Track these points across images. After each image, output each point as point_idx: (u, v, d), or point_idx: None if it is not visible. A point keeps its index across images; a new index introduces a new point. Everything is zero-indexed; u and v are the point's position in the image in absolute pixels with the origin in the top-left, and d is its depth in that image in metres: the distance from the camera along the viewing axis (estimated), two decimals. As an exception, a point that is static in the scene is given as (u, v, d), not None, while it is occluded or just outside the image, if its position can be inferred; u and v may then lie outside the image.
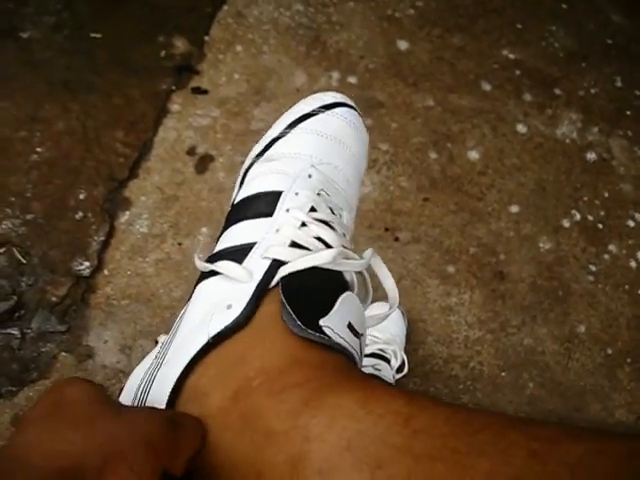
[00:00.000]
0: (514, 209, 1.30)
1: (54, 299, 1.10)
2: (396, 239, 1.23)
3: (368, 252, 0.47)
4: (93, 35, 1.33)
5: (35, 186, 1.17)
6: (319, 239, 0.44)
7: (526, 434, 0.30)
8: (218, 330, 0.39)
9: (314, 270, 0.42)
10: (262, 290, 0.41)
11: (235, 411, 0.36)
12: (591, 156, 1.39)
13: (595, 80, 1.48)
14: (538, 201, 1.32)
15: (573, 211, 1.33)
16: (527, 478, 0.27)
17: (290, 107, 0.55)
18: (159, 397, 0.39)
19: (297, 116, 0.53)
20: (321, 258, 0.42)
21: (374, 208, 1.25)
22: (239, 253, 0.44)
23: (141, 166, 1.22)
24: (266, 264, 0.42)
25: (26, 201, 1.16)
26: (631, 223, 1.34)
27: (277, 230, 0.44)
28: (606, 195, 1.35)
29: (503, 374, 1.18)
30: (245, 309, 0.40)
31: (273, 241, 0.43)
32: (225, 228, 0.48)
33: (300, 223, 0.44)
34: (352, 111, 0.55)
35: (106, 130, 1.24)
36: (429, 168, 1.31)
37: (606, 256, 1.30)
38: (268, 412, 0.34)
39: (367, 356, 1.06)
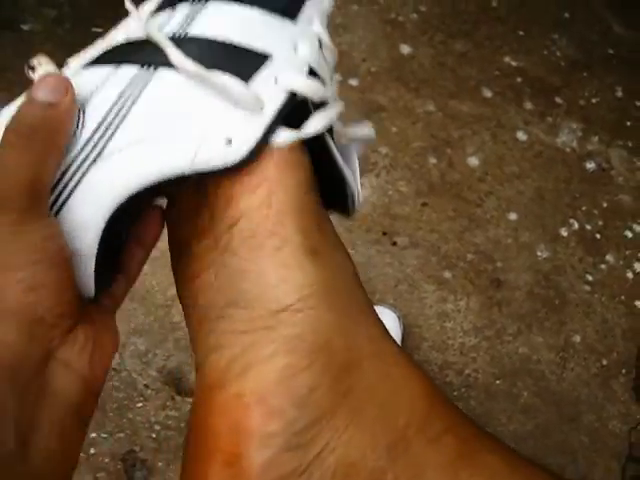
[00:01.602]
0: (512, 216, 1.30)
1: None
2: (394, 243, 1.22)
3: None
4: (94, 30, 1.31)
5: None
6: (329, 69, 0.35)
7: None
8: (210, 167, 0.30)
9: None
10: (271, 130, 0.31)
11: (392, 470, 0.29)
12: (590, 165, 1.39)
13: (596, 90, 1.48)
14: (537, 209, 1.32)
15: (571, 220, 1.32)
16: None
17: None
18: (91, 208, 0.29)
19: None
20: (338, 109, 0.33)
21: (372, 212, 1.24)
22: (241, 59, 0.32)
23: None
24: (281, 98, 0.31)
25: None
26: (629, 234, 1.34)
27: (295, 47, 0.33)
28: (605, 205, 1.35)
29: (498, 382, 1.18)
30: (252, 151, 0.30)
31: (291, 62, 0.33)
32: None
33: (319, 43, 0.34)
34: None
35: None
36: (428, 173, 1.30)
37: (603, 266, 1.30)
38: (429, 466, 0.29)
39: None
